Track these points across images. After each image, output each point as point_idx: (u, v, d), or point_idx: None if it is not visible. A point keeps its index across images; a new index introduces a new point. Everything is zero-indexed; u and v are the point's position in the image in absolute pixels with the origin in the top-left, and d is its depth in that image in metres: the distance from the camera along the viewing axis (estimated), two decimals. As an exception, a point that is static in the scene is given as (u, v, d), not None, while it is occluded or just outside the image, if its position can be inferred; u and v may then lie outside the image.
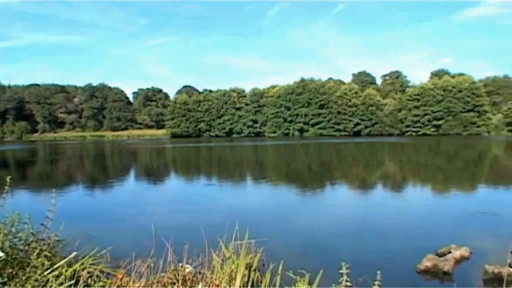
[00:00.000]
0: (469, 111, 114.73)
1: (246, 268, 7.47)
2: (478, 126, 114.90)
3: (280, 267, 7.06)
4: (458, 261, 9.71)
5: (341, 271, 5.94)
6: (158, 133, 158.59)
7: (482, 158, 45.99)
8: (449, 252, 10.02)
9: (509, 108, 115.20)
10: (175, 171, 35.53)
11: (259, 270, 7.91)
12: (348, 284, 5.94)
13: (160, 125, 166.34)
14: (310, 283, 6.65)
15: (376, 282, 6.00)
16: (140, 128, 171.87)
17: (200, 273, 7.13)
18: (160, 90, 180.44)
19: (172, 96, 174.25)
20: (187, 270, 6.98)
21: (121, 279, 6.60)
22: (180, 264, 7.10)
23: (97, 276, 6.67)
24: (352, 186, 24.41)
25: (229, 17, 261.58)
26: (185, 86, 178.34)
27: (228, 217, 13.23)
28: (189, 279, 6.86)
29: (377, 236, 12.74)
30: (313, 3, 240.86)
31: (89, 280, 6.49)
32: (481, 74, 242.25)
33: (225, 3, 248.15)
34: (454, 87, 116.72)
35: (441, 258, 9.57)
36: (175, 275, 6.86)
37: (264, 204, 18.97)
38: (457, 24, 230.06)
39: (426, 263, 9.33)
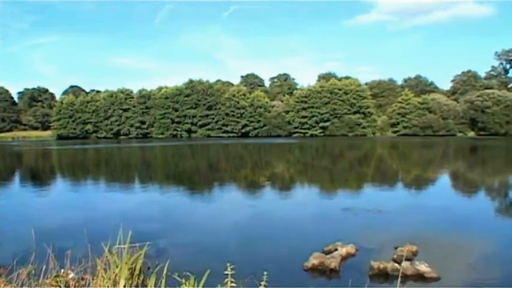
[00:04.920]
0: (355, 113, 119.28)
1: (130, 272, 7.26)
2: (364, 128, 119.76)
3: (165, 270, 6.83)
4: (345, 258, 9.90)
5: (226, 272, 5.82)
6: (43, 134, 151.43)
7: (367, 158, 47.90)
8: (336, 249, 10.20)
9: (394, 110, 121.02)
10: (60, 174, 34.11)
11: (144, 274, 7.70)
12: (233, 284, 5.83)
13: (45, 126, 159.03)
14: (196, 285, 6.46)
15: (262, 283, 5.92)
16: (25, 130, 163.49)
17: (83, 279, 6.98)
18: (46, 90, 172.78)
19: (58, 96, 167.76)
20: (69, 276, 6.82)
21: (2, 287, 6.32)
22: (62, 271, 6.83)
23: (-23, 285, 6.32)
24: (240, 187, 24.52)
25: (120, 17, 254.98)
26: (72, 86, 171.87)
27: (112, 220, 12.87)
28: (72, 285, 6.67)
29: (264, 236, 12.79)
30: (205, 4, 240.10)
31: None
32: (368, 77, 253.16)
33: (115, 3, 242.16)
34: (340, 90, 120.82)
35: (328, 256, 9.70)
36: (57, 281, 6.61)
37: (150, 206, 18.61)
38: (347, 29, 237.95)
39: (313, 260, 9.42)
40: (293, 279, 8.82)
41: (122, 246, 7.82)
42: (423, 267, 8.90)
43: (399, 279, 7.53)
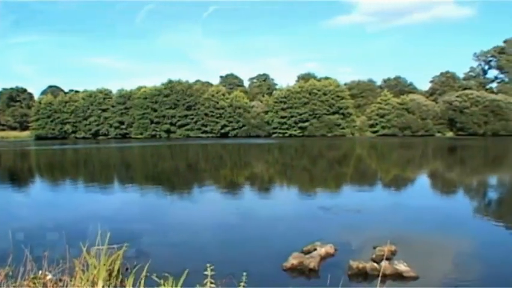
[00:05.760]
0: (334, 113, 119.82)
1: (109, 273, 7.23)
2: (343, 128, 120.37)
3: (144, 271, 6.82)
4: (324, 258, 9.93)
5: (206, 273, 5.82)
6: (22, 135, 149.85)
7: (346, 159, 48.12)
8: (315, 249, 10.23)
9: (373, 111, 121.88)
10: (38, 175, 33.82)
11: (122, 275, 7.67)
12: (213, 285, 5.84)
13: (24, 127, 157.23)
14: (174, 285, 6.46)
15: (241, 283, 5.94)
16: (3, 130, 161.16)
17: (61, 280, 6.91)
18: (25, 90, 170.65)
19: (37, 96, 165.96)
20: (47, 277, 6.77)
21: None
22: (40, 272, 6.79)
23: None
24: (220, 188, 24.46)
25: (99, 16, 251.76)
26: (50, 86, 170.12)
27: (91, 221, 12.74)
28: (50, 286, 6.63)
29: (244, 236, 12.83)
30: (185, 4, 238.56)
31: None
32: (347, 78, 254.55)
33: (95, 2, 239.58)
34: (319, 91, 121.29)
35: (307, 256, 9.73)
36: (35, 283, 6.60)
37: (129, 207, 18.55)
38: (327, 30, 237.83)
39: (292, 260, 9.45)
40: (272, 279, 8.83)
41: (100, 247, 7.80)
42: (402, 267, 8.96)
43: (379, 279, 7.60)
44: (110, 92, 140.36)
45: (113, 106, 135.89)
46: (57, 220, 15.39)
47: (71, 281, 6.86)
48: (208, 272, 5.85)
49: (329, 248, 10.35)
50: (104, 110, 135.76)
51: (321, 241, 10.74)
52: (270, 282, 8.50)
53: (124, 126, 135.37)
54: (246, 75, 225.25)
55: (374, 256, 9.82)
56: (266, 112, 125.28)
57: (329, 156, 51.72)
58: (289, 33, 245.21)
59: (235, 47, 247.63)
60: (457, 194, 22.44)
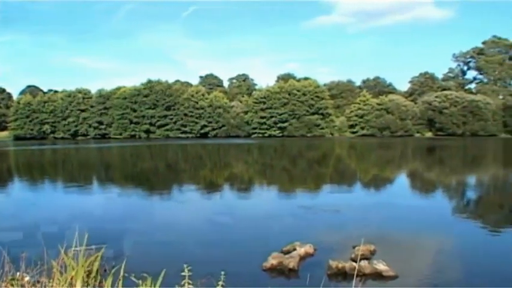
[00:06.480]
0: (313, 113, 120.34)
1: (87, 274, 7.18)
2: (322, 128, 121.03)
3: (122, 271, 6.76)
4: (303, 257, 9.93)
5: (183, 273, 5.80)
6: (0, 135, 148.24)
7: (325, 159, 48.31)
8: (294, 249, 10.23)
9: (352, 111, 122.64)
10: (17, 176, 33.45)
11: (100, 276, 7.61)
12: (191, 286, 5.82)
13: (2, 127, 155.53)
14: (152, 285, 6.42)
15: (220, 283, 5.92)
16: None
17: (39, 282, 6.86)
18: (3, 90, 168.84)
19: (15, 96, 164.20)
20: (25, 279, 6.74)
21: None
22: (18, 273, 6.76)
23: None
24: (199, 188, 24.39)
25: (78, 16, 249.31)
26: (29, 86, 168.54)
27: (69, 222, 12.63)
28: None
29: (223, 236, 12.79)
30: (164, 4, 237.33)
31: None
32: (327, 78, 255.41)
33: (74, 2, 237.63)
34: (298, 91, 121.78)
35: (287, 256, 9.73)
36: (12, 284, 6.59)
37: (108, 208, 18.40)
38: (307, 30, 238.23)
39: (272, 261, 9.43)
40: (252, 279, 8.79)
41: (78, 248, 7.73)
42: (381, 266, 8.99)
43: (357, 278, 7.61)
44: (90, 92, 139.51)
45: (92, 106, 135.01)
46: (35, 221, 15.20)
47: (49, 282, 6.80)
48: (186, 273, 5.83)
49: (308, 248, 10.35)
50: (83, 110, 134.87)
51: (301, 241, 10.75)
52: (250, 283, 8.47)
53: (103, 127, 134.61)
54: (225, 75, 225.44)
55: (353, 256, 9.83)
56: (246, 112, 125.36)
57: (308, 156, 51.84)
58: (269, 33, 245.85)
59: (215, 47, 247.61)
60: (436, 194, 22.62)
